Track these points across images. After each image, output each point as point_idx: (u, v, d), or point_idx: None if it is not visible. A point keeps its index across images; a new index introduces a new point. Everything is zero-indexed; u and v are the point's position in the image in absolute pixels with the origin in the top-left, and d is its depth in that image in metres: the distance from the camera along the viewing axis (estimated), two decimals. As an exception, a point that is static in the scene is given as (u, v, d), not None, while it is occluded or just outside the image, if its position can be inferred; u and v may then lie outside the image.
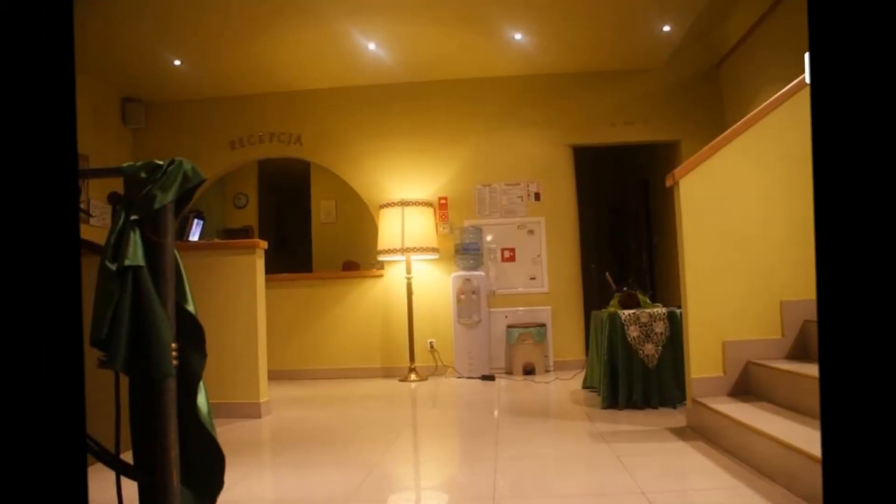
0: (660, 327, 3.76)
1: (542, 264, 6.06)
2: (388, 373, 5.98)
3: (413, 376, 5.60)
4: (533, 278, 6.05)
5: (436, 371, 5.92)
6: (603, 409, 3.74)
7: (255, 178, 8.33)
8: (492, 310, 5.87)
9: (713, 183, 3.15)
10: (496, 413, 3.91)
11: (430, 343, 6.00)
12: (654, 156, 7.01)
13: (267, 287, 4.24)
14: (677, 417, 3.42)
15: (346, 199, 7.50)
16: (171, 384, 1.46)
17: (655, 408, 3.69)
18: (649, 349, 3.74)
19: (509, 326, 5.72)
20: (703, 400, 3.00)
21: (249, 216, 8.26)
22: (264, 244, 4.18)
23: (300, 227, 8.56)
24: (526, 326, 5.63)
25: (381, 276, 6.15)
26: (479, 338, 5.66)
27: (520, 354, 5.60)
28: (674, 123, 6.12)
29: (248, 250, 4.08)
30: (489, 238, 6.09)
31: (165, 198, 1.48)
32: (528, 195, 6.13)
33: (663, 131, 6.15)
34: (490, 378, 5.42)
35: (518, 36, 5.38)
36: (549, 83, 6.22)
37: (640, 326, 3.77)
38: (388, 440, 3.25)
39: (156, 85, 6.14)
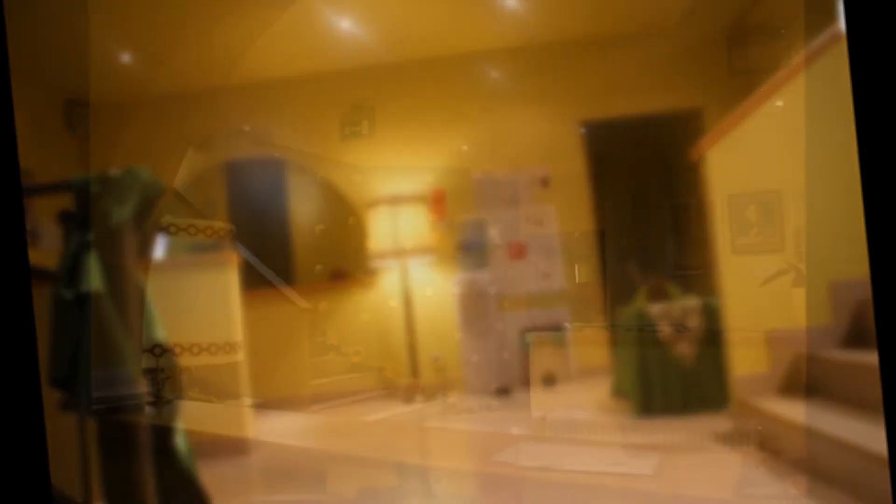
0: (694, 321, 3.76)
1: (556, 259, 6.05)
2: (388, 394, 5.97)
3: (417, 396, 5.59)
4: (546, 275, 6.05)
5: (443, 388, 5.91)
6: (637, 419, 3.73)
7: (223, 183, 8.31)
8: (502, 314, 5.86)
9: (744, 153, 3.15)
10: (515, 430, 3.91)
11: (435, 357, 5.99)
12: (675, 127, 7.00)
13: (244, 306, 4.23)
14: (721, 422, 3.42)
15: (328, 200, 7.49)
16: (145, 425, 1.45)
17: (696, 413, 3.69)
18: (684, 347, 3.74)
19: (523, 331, 5.71)
20: (750, 400, 3.00)
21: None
22: (239, 257, 4.17)
23: (278, 236, 8.55)
24: (542, 330, 5.62)
25: (373, 284, 6.15)
26: (490, 347, 5.66)
27: (537, 363, 5.60)
28: (695, 89, 6.11)
29: (220, 266, 4.07)
30: (493, 233, 6.08)
31: (122, 213, 1.48)
32: (535, 182, 6.12)
33: (683, 98, 6.14)
34: (505, 391, 5.42)
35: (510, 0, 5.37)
36: (550, 53, 6.20)
37: (671, 322, 3.76)
38: (395, 469, 3.25)
39: (103, 84, 6.13)
